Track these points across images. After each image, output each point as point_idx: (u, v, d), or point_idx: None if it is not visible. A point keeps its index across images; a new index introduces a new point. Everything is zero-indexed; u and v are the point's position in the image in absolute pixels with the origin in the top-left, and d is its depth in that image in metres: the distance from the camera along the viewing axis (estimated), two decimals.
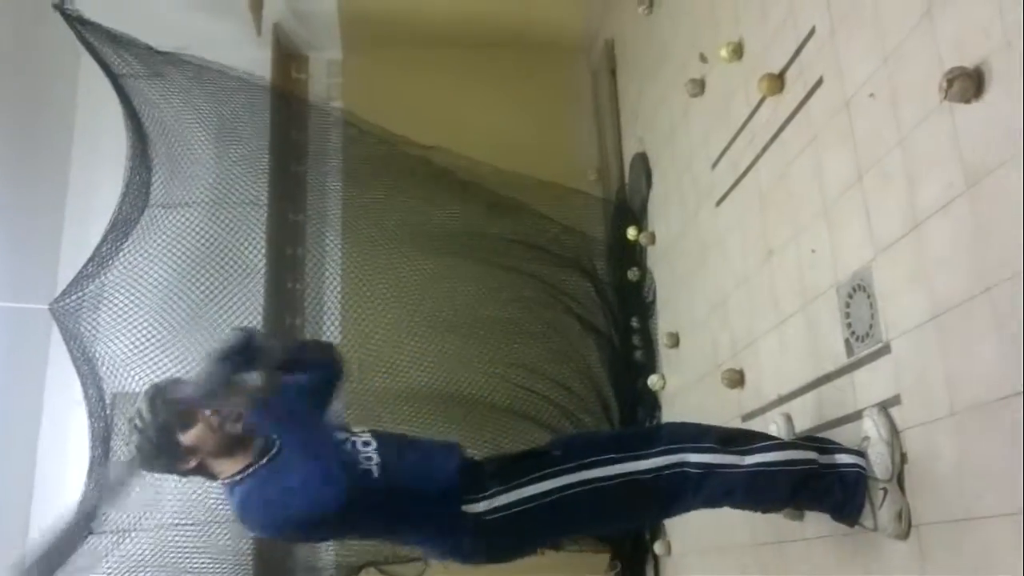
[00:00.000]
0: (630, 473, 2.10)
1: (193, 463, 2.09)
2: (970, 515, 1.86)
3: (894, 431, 2.14)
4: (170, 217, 4.08)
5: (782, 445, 2.23)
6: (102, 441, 3.71)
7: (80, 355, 3.88)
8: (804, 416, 2.66)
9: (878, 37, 2.21)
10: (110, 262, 3.98)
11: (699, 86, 3.62)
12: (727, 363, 3.30)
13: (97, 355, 3.84)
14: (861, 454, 2.15)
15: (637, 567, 4.35)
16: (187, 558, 3.76)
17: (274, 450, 2.14)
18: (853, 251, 2.35)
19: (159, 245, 4.03)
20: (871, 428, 2.17)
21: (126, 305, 3.92)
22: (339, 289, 4.47)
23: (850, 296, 2.38)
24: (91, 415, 3.80)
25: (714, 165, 3.47)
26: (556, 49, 5.69)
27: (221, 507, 3.51)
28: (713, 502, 2.18)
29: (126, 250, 3.99)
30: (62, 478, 4.20)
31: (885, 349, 2.21)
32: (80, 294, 3.93)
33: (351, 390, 4.12)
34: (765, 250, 2.96)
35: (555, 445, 2.25)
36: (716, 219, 3.46)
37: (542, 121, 5.46)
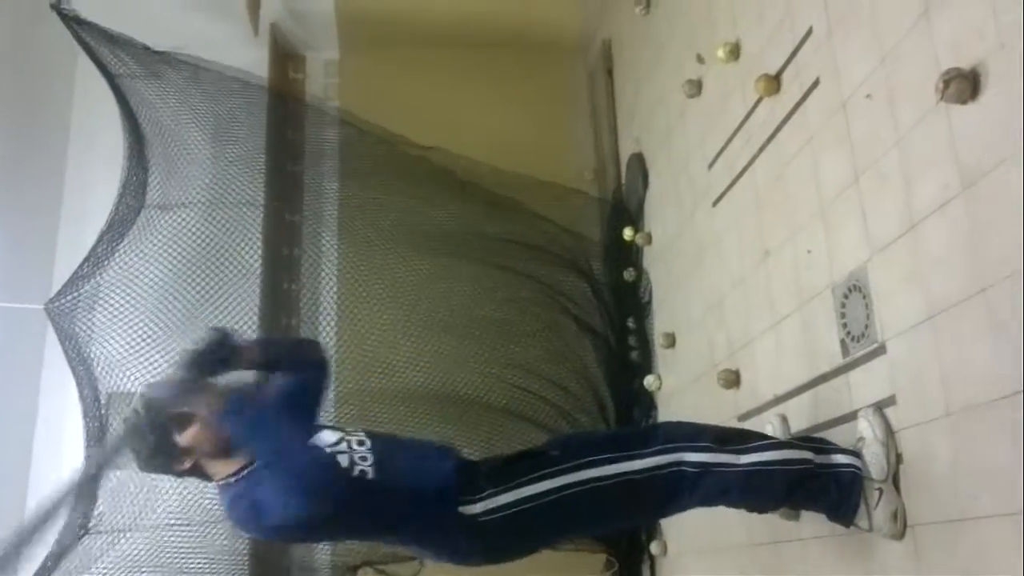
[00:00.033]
0: (627, 473, 2.10)
1: (188, 464, 2.09)
2: (965, 515, 1.87)
3: (889, 431, 2.14)
4: (166, 217, 4.07)
5: (778, 444, 2.23)
6: (97, 441, 3.70)
7: (75, 355, 3.87)
8: (800, 416, 2.66)
9: (875, 38, 2.22)
10: (106, 262, 3.97)
11: (696, 87, 3.63)
12: (723, 363, 3.31)
13: (92, 355, 3.83)
14: (856, 454, 2.16)
15: (633, 567, 4.35)
16: (183, 558, 3.75)
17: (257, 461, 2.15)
18: (849, 252, 2.36)
19: (155, 245, 4.02)
20: (866, 428, 2.17)
21: (122, 305, 3.91)
22: (335, 290, 4.47)
23: (846, 297, 2.38)
24: (86, 415, 3.80)
25: (710, 166, 3.47)
26: (553, 49, 5.69)
27: (217, 507, 3.50)
28: (709, 501, 2.18)
29: (122, 250, 3.98)
30: (57, 478, 4.18)
31: (881, 350, 2.21)
32: (75, 294, 3.92)
33: (347, 390, 4.13)
34: (761, 251, 2.97)
35: (552, 445, 2.25)
36: (712, 220, 3.47)
37: (539, 121, 5.46)
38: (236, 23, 4.92)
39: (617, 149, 5.06)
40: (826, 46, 2.50)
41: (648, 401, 4.23)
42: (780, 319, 2.83)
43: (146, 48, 3.84)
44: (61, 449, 4.29)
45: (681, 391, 3.91)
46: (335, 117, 4.70)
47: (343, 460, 2.09)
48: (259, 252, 4.30)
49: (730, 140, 3.25)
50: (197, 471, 2.12)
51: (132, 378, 3.72)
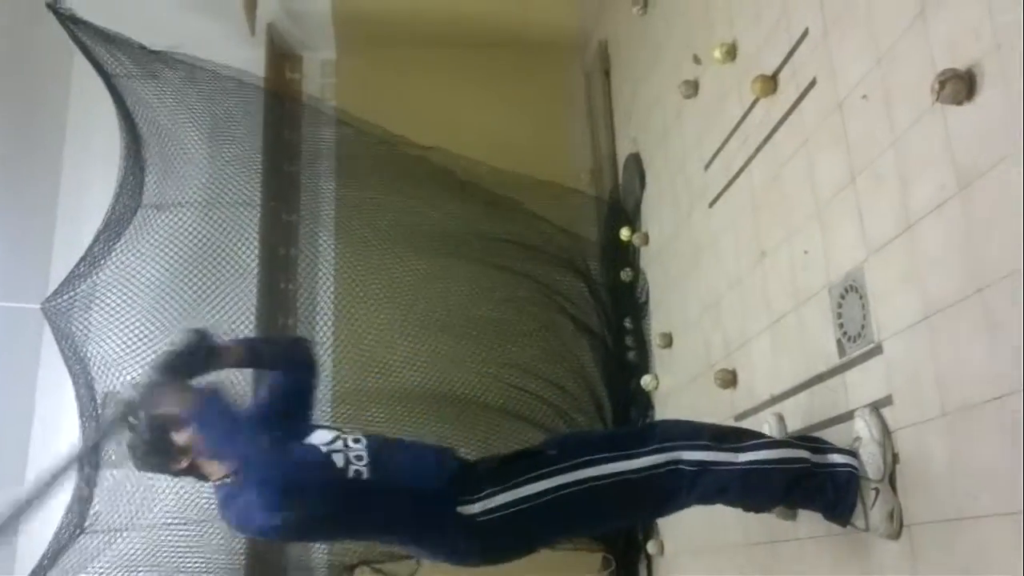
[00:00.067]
0: (624, 472, 2.10)
1: (185, 463, 2.09)
2: (962, 515, 1.87)
3: (886, 431, 2.15)
4: (163, 217, 4.07)
5: (776, 443, 2.23)
6: (93, 440, 3.70)
7: (72, 355, 3.87)
8: (796, 416, 2.67)
9: (871, 39, 2.22)
10: (102, 262, 3.97)
11: (693, 87, 3.63)
12: (720, 363, 3.31)
13: (89, 355, 3.83)
14: (853, 454, 2.16)
15: (630, 567, 4.35)
16: (180, 558, 3.75)
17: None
18: (846, 252, 2.36)
19: (152, 245, 4.02)
20: (863, 428, 2.18)
21: (118, 305, 3.91)
22: (332, 289, 4.47)
23: (842, 297, 2.39)
24: (83, 415, 3.80)
25: (707, 166, 3.47)
26: (550, 50, 5.69)
27: (213, 506, 3.51)
28: (707, 499, 2.18)
29: (119, 250, 3.98)
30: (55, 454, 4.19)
31: (877, 350, 2.21)
32: (72, 293, 3.91)
33: (344, 390, 4.13)
34: (758, 251, 2.97)
35: (549, 445, 2.24)
36: (709, 220, 3.47)
37: (536, 122, 5.46)
38: (233, 23, 4.91)
39: (614, 149, 5.06)
40: (822, 47, 2.50)
41: (645, 401, 4.23)
42: (777, 319, 2.83)
43: (142, 47, 3.84)
44: (58, 449, 4.28)
45: (678, 391, 3.91)
46: (332, 117, 4.70)
47: (338, 459, 2.09)
48: (256, 252, 4.31)
49: (727, 141, 3.26)
50: (193, 470, 2.12)
51: (129, 378, 3.72)
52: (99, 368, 3.78)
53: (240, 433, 2.02)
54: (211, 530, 3.74)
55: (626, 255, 4.51)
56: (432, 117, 4.87)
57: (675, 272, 3.92)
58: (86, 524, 3.64)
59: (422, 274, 4.43)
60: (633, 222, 4.48)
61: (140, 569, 3.68)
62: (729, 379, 3.20)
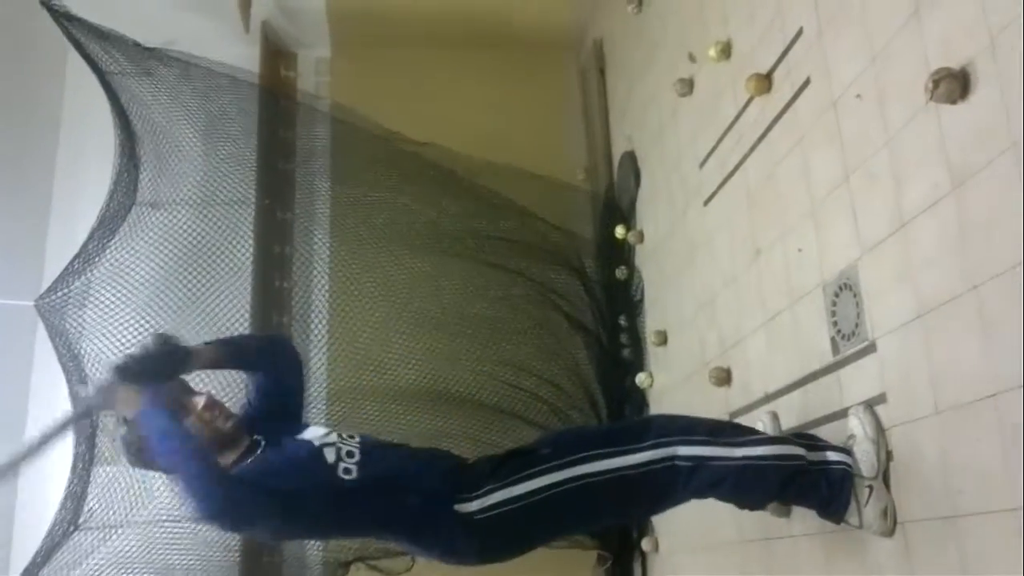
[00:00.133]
0: (620, 468, 2.09)
1: None
2: (955, 512, 1.88)
3: (879, 429, 2.15)
4: (157, 215, 4.06)
5: (771, 440, 2.24)
6: (87, 437, 3.70)
7: (66, 352, 3.87)
8: (790, 414, 2.67)
9: (865, 38, 2.23)
10: (96, 259, 3.96)
11: (687, 85, 3.64)
12: (714, 361, 3.32)
13: (83, 352, 3.83)
14: (847, 451, 2.16)
15: (625, 564, 4.36)
16: (175, 554, 3.75)
17: (258, 450, 2.16)
18: (840, 250, 2.37)
19: (146, 243, 4.02)
20: (857, 426, 2.18)
21: (112, 302, 3.90)
22: (327, 287, 4.47)
23: (836, 295, 2.39)
24: (96, 414, 3.79)
25: (702, 164, 3.48)
26: (545, 48, 5.69)
27: None
28: (701, 493, 2.17)
29: (113, 247, 3.98)
30: (47, 474, 4.18)
31: (871, 348, 2.22)
32: (66, 291, 3.91)
33: (339, 388, 4.13)
34: (752, 249, 2.98)
35: (544, 442, 2.24)
36: (704, 218, 3.48)
37: (531, 120, 5.46)
38: (227, 20, 4.90)
39: (609, 147, 5.07)
40: (816, 46, 2.51)
41: (640, 399, 4.24)
42: (771, 317, 2.84)
43: (137, 45, 3.84)
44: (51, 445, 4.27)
45: (673, 389, 3.92)
46: (327, 115, 4.70)
47: (329, 454, 2.10)
48: (250, 250, 4.30)
49: (721, 139, 3.26)
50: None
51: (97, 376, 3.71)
52: (93, 366, 3.77)
53: (173, 441, 1.98)
54: (207, 527, 3.74)
55: (621, 253, 4.51)
56: (427, 115, 4.87)
57: (670, 270, 3.92)
58: (80, 520, 3.64)
59: (417, 272, 4.43)
60: (628, 220, 4.49)
61: (135, 566, 3.68)
62: (724, 377, 3.21)
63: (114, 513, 3.67)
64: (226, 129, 4.31)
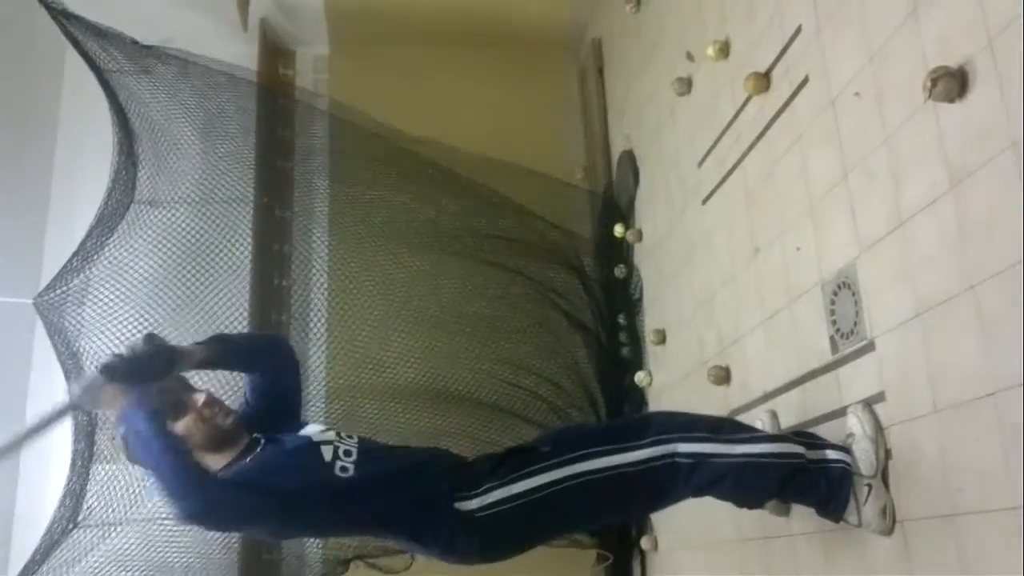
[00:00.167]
0: (620, 465, 2.08)
1: None
2: (954, 511, 1.88)
3: (878, 428, 2.16)
4: (156, 212, 4.06)
5: (771, 438, 2.24)
6: (86, 435, 3.70)
7: (64, 350, 3.86)
8: (789, 412, 2.67)
9: (864, 36, 2.23)
10: (95, 257, 3.96)
11: (686, 84, 3.64)
12: (713, 360, 3.32)
13: (82, 350, 3.82)
14: (846, 450, 2.16)
15: (624, 563, 4.36)
16: (175, 552, 3.75)
17: (258, 448, 2.16)
18: (838, 249, 2.37)
19: (145, 241, 4.01)
20: (855, 425, 2.19)
21: (111, 300, 3.90)
22: (326, 285, 4.46)
23: (835, 294, 2.40)
24: (83, 411, 3.79)
25: (700, 163, 3.48)
26: (544, 47, 5.69)
27: None
28: (701, 491, 2.16)
29: (111, 245, 3.97)
30: (46, 471, 4.19)
31: (869, 346, 2.22)
32: (64, 289, 3.91)
33: (338, 386, 4.13)
34: (751, 248, 2.98)
35: (544, 440, 2.24)
36: (702, 217, 3.48)
37: (530, 119, 5.46)
38: (225, 18, 4.90)
39: (608, 147, 5.07)
40: (815, 44, 2.51)
41: (639, 397, 4.24)
42: (770, 316, 2.84)
43: (135, 42, 3.83)
44: (50, 443, 4.27)
45: (671, 387, 3.92)
46: (325, 113, 4.70)
47: (326, 452, 2.10)
48: (249, 248, 4.30)
49: (720, 138, 3.26)
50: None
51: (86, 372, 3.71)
52: (92, 363, 3.77)
53: (154, 443, 1.97)
54: (189, 526, 3.74)
55: (620, 251, 4.52)
56: (425, 114, 4.87)
57: (669, 269, 3.93)
58: (79, 518, 3.64)
59: (416, 270, 4.43)
60: (627, 219, 4.49)
61: (134, 563, 3.68)
62: (722, 375, 3.21)
63: (113, 511, 3.66)
64: (224, 127, 4.31)
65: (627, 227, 4.42)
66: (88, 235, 3.96)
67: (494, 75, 5.59)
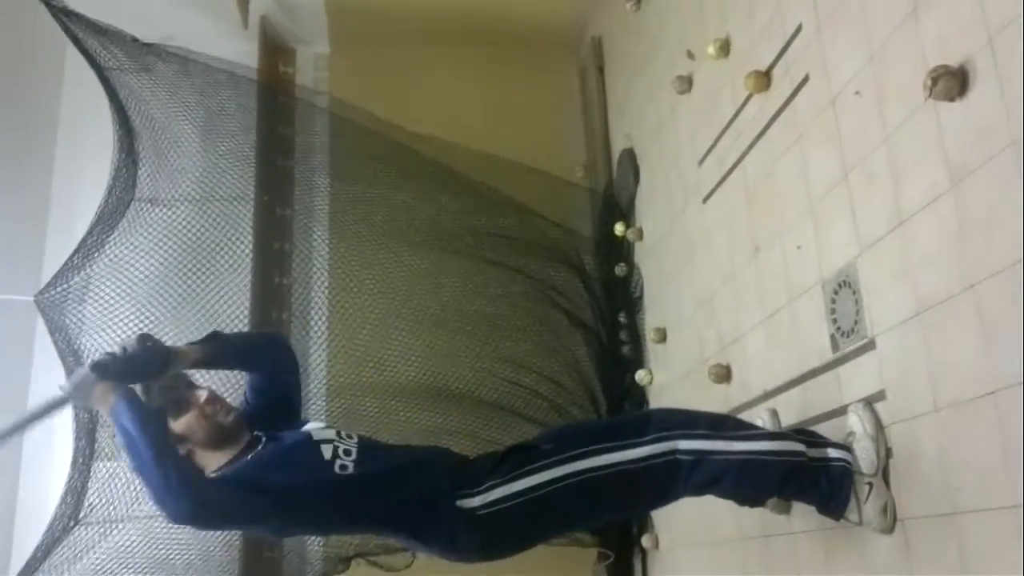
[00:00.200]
0: (622, 463, 2.08)
1: (181, 452, 2.10)
2: (955, 510, 1.88)
3: (879, 426, 2.16)
4: (157, 210, 4.06)
5: (772, 435, 2.24)
6: (87, 432, 3.70)
7: (66, 347, 3.86)
8: (790, 411, 2.68)
9: (864, 35, 2.23)
10: (96, 254, 3.96)
11: (686, 83, 3.64)
12: (714, 358, 3.32)
13: (83, 347, 3.83)
14: (847, 448, 2.16)
15: (625, 561, 4.37)
16: (176, 550, 3.75)
17: (259, 446, 2.17)
18: (839, 248, 2.37)
19: (146, 239, 4.02)
20: (856, 423, 2.19)
21: (112, 298, 3.90)
22: (326, 284, 4.47)
23: (835, 292, 2.40)
24: (76, 407, 3.79)
25: (701, 162, 3.48)
26: (544, 46, 5.69)
27: None
28: (702, 489, 2.16)
29: (112, 243, 3.97)
30: (48, 469, 4.19)
31: (870, 345, 2.23)
32: (65, 286, 3.91)
33: (339, 384, 4.13)
34: (751, 247, 2.98)
35: (545, 438, 2.24)
36: (703, 216, 3.48)
37: (530, 118, 5.46)
38: (226, 16, 4.90)
39: (608, 145, 5.07)
40: (815, 43, 2.51)
41: (639, 395, 4.24)
42: (770, 315, 2.84)
43: (135, 40, 3.83)
44: (51, 440, 4.28)
45: (672, 386, 3.92)
46: (325, 111, 4.70)
47: (326, 450, 2.11)
48: (250, 246, 4.30)
49: (720, 136, 3.27)
50: (190, 459, 2.13)
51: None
52: (91, 361, 3.77)
53: (139, 442, 1.96)
54: (178, 526, 3.73)
55: (620, 250, 4.52)
56: (426, 112, 4.87)
57: (669, 267, 3.93)
58: (80, 516, 3.65)
59: (416, 269, 4.43)
60: (627, 217, 4.49)
61: (135, 561, 3.68)
62: (723, 374, 3.21)
63: (114, 508, 3.67)
64: (225, 125, 4.31)
65: (628, 225, 4.42)
66: (89, 233, 3.96)
67: (494, 73, 5.59)
